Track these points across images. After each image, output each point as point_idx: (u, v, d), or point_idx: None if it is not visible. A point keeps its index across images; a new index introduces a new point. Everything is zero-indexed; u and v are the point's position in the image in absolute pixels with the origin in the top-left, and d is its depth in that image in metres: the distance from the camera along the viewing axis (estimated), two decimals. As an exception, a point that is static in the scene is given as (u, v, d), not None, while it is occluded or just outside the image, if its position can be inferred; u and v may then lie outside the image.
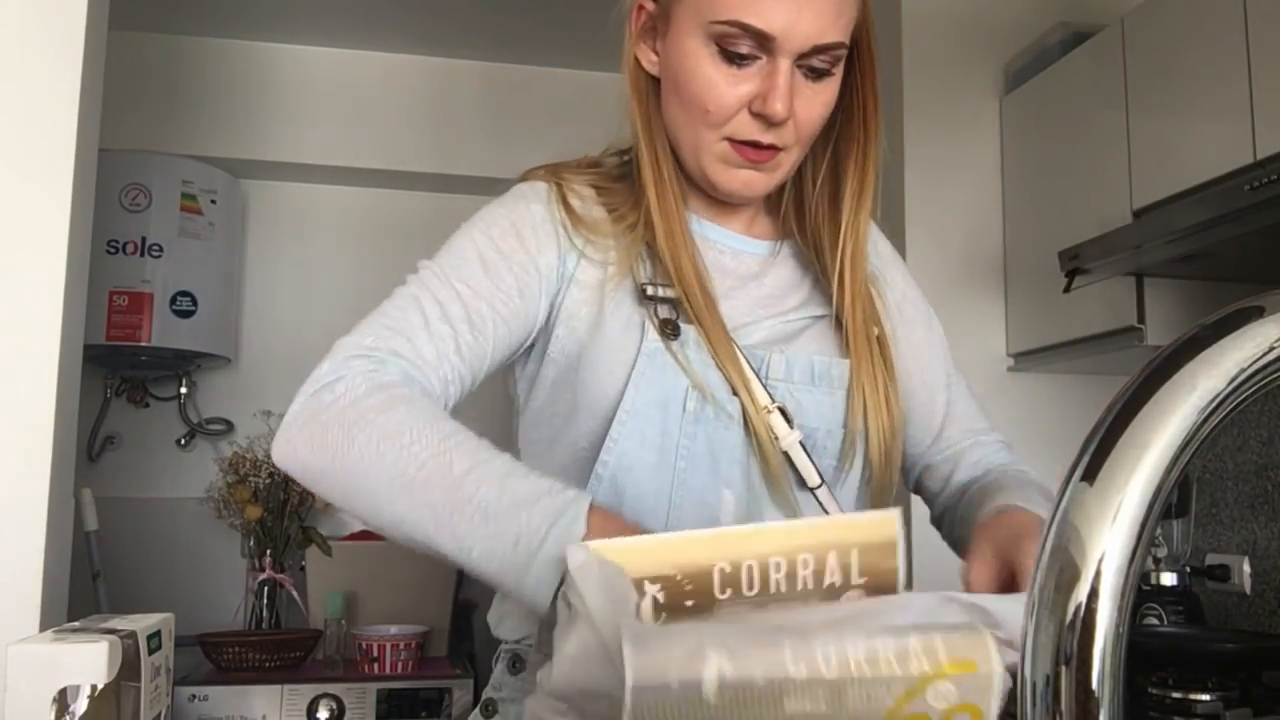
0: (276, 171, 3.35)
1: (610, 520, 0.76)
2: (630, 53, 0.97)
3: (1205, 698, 1.66)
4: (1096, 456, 0.37)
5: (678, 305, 0.92)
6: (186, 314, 2.98)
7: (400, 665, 2.55)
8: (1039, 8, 2.61)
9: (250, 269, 3.37)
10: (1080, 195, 2.25)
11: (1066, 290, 2.10)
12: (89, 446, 3.09)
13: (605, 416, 0.90)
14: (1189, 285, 2.11)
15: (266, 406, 3.14)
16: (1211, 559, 2.22)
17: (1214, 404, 0.37)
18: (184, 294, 2.98)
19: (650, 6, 0.95)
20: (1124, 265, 2.04)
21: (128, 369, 3.14)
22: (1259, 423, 2.16)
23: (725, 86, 0.89)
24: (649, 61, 0.97)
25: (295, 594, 2.81)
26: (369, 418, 0.79)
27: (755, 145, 0.91)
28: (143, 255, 2.93)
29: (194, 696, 2.31)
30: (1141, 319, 2.08)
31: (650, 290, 0.93)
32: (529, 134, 3.37)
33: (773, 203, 1.05)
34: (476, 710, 1.01)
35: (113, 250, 2.88)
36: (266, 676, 2.44)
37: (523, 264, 0.92)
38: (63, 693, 1.03)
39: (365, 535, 2.97)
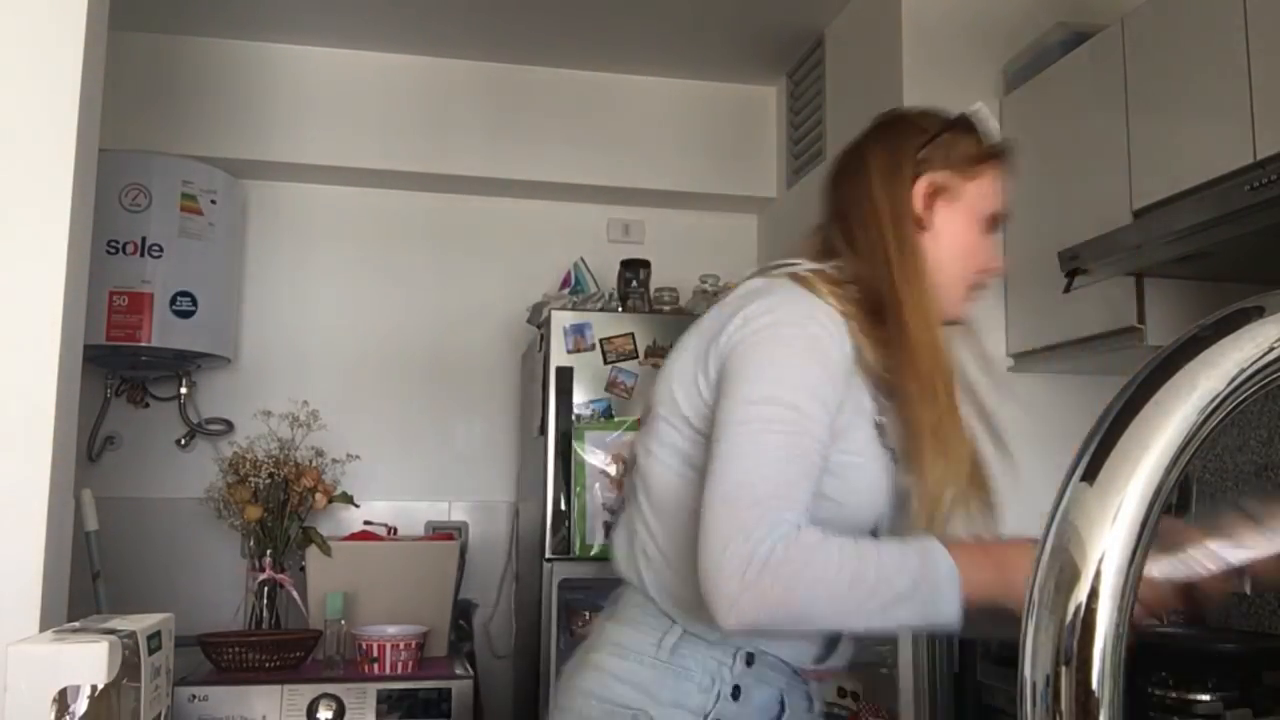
0: (276, 171, 3.35)
1: (956, 547, 1.11)
2: (909, 199, 1.27)
3: (1205, 698, 1.66)
4: (1096, 456, 0.37)
5: (881, 427, 1.24)
6: (186, 314, 2.98)
7: (400, 665, 2.55)
8: (1039, 8, 2.61)
9: (250, 269, 3.37)
10: (1080, 195, 2.24)
11: (1066, 290, 2.10)
12: (89, 446, 3.09)
13: (873, 514, 1.25)
14: (1189, 285, 2.10)
15: (266, 406, 3.15)
16: (1211, 559, 2.22)
17: (1214, 404, 0.37)
18: (184, 294, 2.98)
19: (947, 185, 1.27)
20: (1124, 265, 2.04)
21: (128, 369, 3.14)
22: (1259, 423, 2.16)
23: (985, 249, 1.31)
24: (922, 211, 1.27)
25: (295, 594, 2.81)
26: (817, 574, 1.07)
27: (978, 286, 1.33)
28: (143, 255, 2.93)
29: (194, 696, 2.31)
30: (1141, 319, 2.08)
31: (879, 418, 1.23)
32: (528, 134, 3.37)
33: None
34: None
35: (113, 250, 2.88)
36: (266, 676, 2.44)
37: (833, 408, 1.18)
38: (63, 693, 1.02)
39: (365, 535, 2.96)
